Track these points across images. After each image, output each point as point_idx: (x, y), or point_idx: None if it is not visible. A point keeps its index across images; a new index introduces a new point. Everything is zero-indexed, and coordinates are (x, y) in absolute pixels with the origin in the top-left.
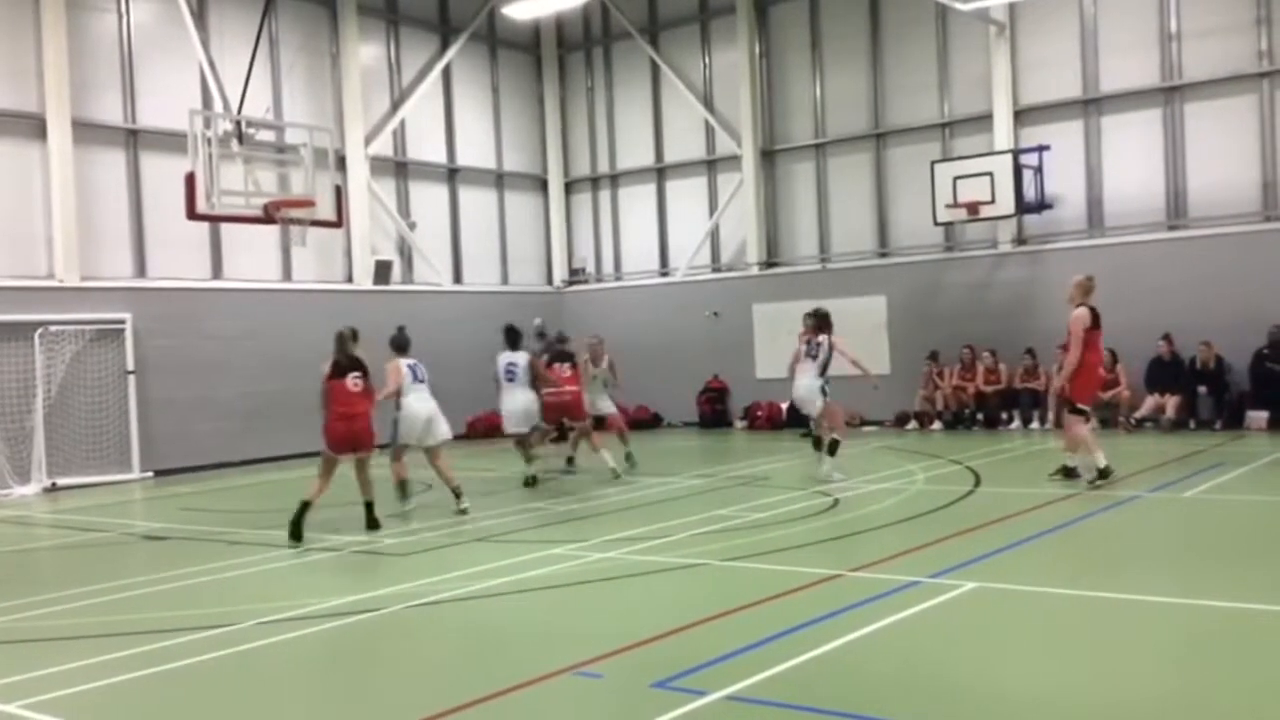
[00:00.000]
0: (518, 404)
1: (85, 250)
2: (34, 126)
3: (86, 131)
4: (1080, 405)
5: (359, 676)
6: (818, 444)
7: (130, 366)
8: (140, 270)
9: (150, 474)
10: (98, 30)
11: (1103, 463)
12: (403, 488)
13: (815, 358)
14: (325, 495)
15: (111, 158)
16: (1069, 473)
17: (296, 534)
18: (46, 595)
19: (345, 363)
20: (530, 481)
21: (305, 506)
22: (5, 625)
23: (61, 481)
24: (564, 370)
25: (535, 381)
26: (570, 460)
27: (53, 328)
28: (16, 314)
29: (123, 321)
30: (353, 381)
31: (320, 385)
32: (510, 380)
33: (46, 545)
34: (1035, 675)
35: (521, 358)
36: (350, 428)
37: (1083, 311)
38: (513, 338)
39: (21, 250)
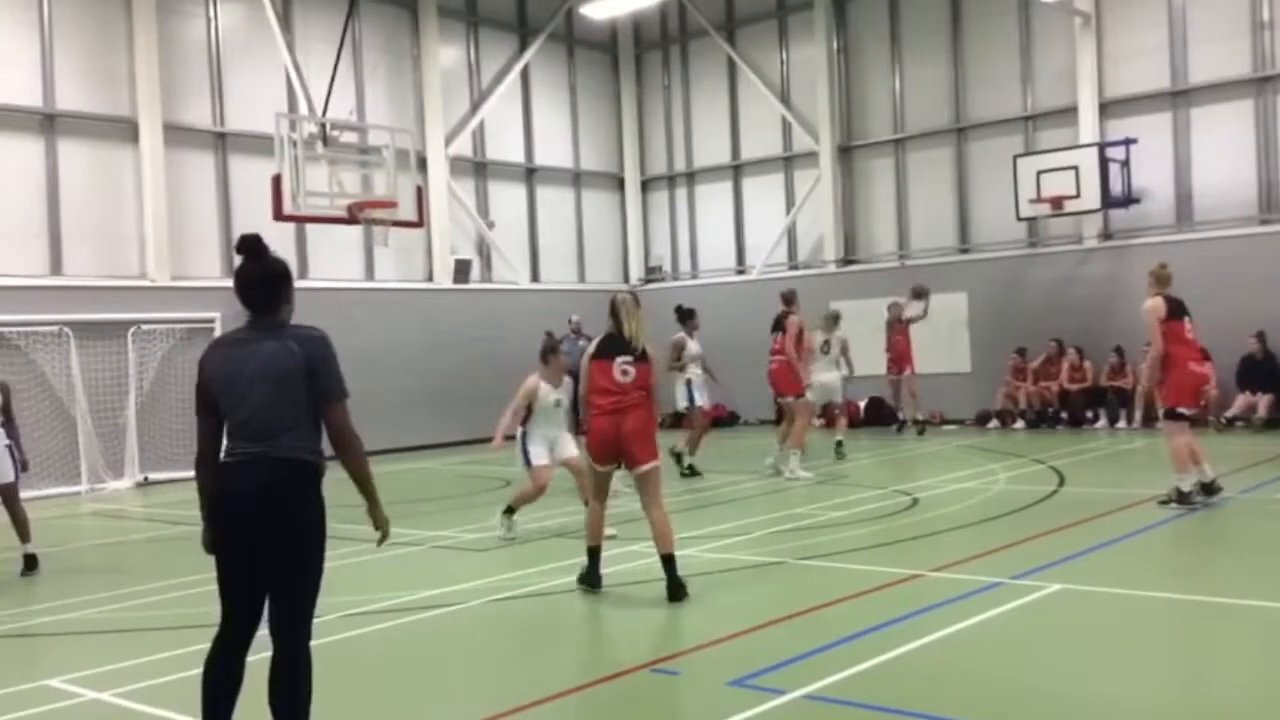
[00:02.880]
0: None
1: (176, 250)
2: (126, 130)
3: (177, 134)
4: (1176, 409)
5: (439, 669)
6: None
7: None
8: (229, 270)
9: None
10: (187, 35)
11: (1209, 476)
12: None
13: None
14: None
15: (201, 160)
16: (1183, 498)
17: (594, 580)
18: (137, 587)
19: (614, 341)
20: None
21: (593, 553)
22: (97, 616)
23: (153, 476)
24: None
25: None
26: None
27: (145, 327)
28: (110, 313)
29: (212, 320)
30: (621, 367)
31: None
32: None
33: (138, 538)
34: (1121, 679)
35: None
36: (617, 428)
37: (1154, 301)
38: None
39: (114, 251)
